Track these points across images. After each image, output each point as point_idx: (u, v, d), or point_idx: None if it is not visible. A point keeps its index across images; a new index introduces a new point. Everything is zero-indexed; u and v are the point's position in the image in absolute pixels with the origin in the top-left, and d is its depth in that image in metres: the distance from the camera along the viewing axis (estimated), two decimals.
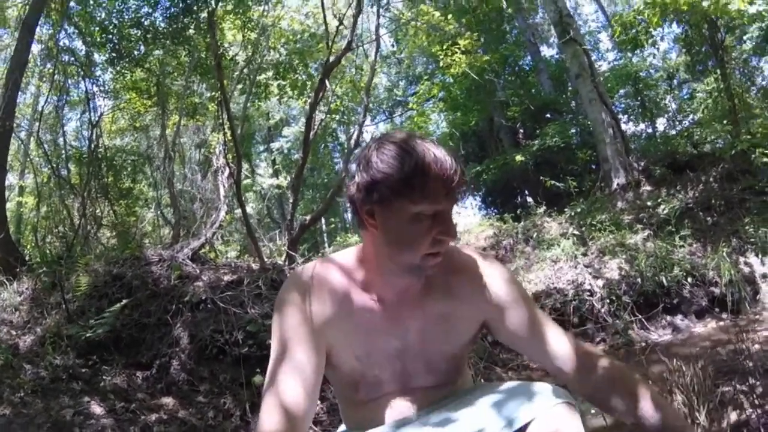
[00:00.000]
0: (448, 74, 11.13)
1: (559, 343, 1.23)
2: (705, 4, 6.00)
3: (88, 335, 4.31)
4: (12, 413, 3.20)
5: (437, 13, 9.25)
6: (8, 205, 7.91)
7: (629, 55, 11.90)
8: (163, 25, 7.38)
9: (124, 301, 4.81)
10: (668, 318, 6.32)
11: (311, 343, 1.14)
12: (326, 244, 15.71)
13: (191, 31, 7.85)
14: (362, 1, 7.97)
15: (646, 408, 1.12)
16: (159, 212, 9.69)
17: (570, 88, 13.93)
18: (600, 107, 10.67)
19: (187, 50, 8.01)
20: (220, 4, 7.69)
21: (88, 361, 4.28)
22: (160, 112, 9.00)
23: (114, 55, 7.36)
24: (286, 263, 6.63)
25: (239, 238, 11.70)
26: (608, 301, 6.37)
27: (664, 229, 7.49)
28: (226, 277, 5.63)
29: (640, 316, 6.20)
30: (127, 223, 8.59)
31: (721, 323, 5.91)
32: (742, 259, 6.38)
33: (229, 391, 4.33)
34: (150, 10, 7.13)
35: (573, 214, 8.80)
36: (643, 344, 6.01)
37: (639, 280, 6.40)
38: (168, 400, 4.15)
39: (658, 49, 10.35)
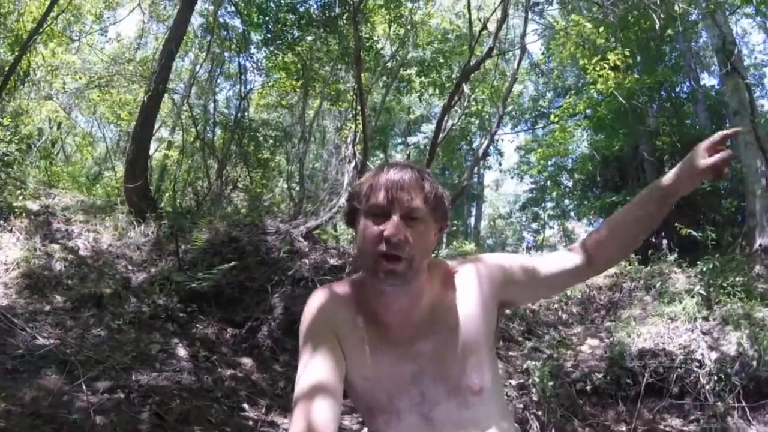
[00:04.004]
0: (594, 90, 10.63)
1: (562, 256, 1.37)
2: None
3: (193, 285, 4.80)
4: (106, 335, 3.67)
5: (589, 24, 8.83)
6: (156, 155, 8.85)
7: None
8: (316, 12, 7.86)
9: (234, 263, 5.28)
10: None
11: (334, 351, 1.22)
12: (443, 245, 15.70)
13: (342, 21, 8.25)
14: (507, 7, 7.83)
15: (634, 209, 1.34)
16: (287, 186, 10.34)
17: (728, 125, 12.60)
18: (756, 153, 9.51)
19: (336, 39, 8.42)
20: None
21: (187, 308, 4.79)
22: (303, 94, 9.59)
23: (269, 36, 8.01)
24: None
25: None
26: (716, 378, 5.72)
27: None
28: (332, 261, 5.97)
29: (744, 404, 5.53)
30: (258, 190, 9.28)
31: None
32: None
33: None
34: None
35: (704, 269, 7.95)
36: None
37: (755, 362, 5.68)
38: (247, 361, 4.52)
39: None
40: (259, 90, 9.60)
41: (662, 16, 7.73)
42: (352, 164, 9.24)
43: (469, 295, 1.29)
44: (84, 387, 3.10)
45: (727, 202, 10.84)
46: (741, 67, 9.88)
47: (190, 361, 3.89)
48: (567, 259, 1.36)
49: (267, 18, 7.65)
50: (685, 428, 5.57)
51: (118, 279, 4.63)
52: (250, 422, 3.57)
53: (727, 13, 9.73)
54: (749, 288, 7.08)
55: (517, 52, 9.74)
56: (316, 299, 1.31)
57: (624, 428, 5.16)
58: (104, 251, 5.27)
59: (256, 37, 8.47)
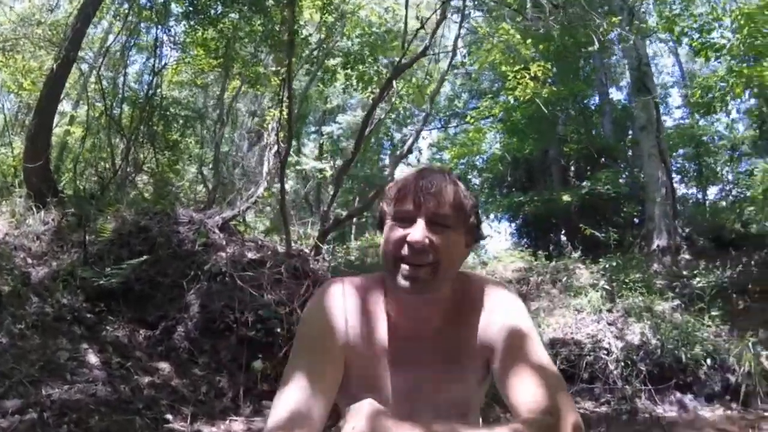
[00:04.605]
0: (512, 96, 10.96)
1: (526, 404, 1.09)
2: None
3: (101, 282, 4.37)
4: (8, 343, 3.25)
5: (518, 35, 9.08)
6: (56, 130, 8.04)
7: (697, 117, 11.54)
8: None
9: (145, 257, 4.87)
10: (678, 395, 6.19)
11: (332, 356, 1.18)
12: (353, 237, 15.65)
13: (270, 2, 7.87)
14: (447, 8, 7.86)
15: None
16: (200, 172, 9.77)
17: (629, 138, 13.61)
18: (658, 164, 10.40)
19: (262, 19, 8.02)
20: None
21: (95, 308, 4.34)
22: (222, 74, 9.07)
23: (191, 9, 7.47)
24: (313, 254, 6.60)
25: (270, 214, 11.74)
26: (623, 364, 6.26)
27: (695, 303, 7.28)
28: (250, 254, 5.65)
29: (650, 387, 6.08)
30: (166, 175, 8.68)
31: (729, 412, 5.78)
32: (765, 353, 6.13)
33: (226, 370, 4.34)
34: None
35: (607, 266, 8.61)
36: (647, 416, 5.90)
37: (659, 350, 6.25)
38: (165, 366, 4.19)
39: (731, 118, 10.05)
40: (173, 66, 8.94)
41: (590, 33, 8.09)
42: (273, 151, 8.93)
43: (484, 323, 1.24)
44: None
45: (629, 207, 11.66)
46: (652, 87, 10.66)
47: (103, 369, 3.54)
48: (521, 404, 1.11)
49: None
50: (598, 410, 6.05)
51: (16, 275, 4.10)
52: None
53: (642, 37, 10.42)
54: (649, 284, 7.76)
55: (447, 54, 9.80)
56: (329, 299, 1.25)
57: None
58: (0, 241, 4.68)
59: (177, 9, 7.88)
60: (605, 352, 6.44)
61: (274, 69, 9.57)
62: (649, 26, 9.80)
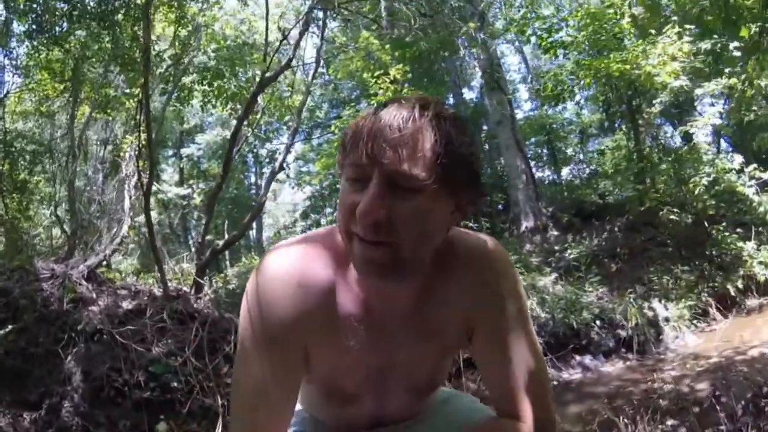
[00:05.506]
0: (374, 101, 11.20)
1: (507, 390, 1.04)
2: (636, 72, 6.60)
3: None
4: None
5: (376, 42, 9.29)
6: None
7: (546, 107, 12.75)
8: (92, 3, 6.72)
9: (10, 326, 4.18)
10: (578, 358, 6.66)
11: (289, 352, 0.96)
12: (227, 263, 14.92)
13: (120, 16, 7.24)
14: (310, 18, 7.80)
15: None
16: (54, 215, 8.67)
17: (484, 133, 14.60)
18: (516, 153, 11.30)
19: (111, 36, 7.31)
20: None
21: None
22: (70, 100, 8.15)
23: (34, 27, 6.58)
24: (193, 291, 6.08)
25: (136, 252, 10.80)
26: None
27: (573, 273, 7.92)
28: (125, 304, 5.08)
29: (551, 356, 6.49)
30: (18, 223, 7.59)
31: (628, 363, 6.37)
32: (646, 304, 6.87)
33: None
34: None
35: None
36: (556, 383, 6.29)
37: (551, 322, 6.69)
38: None
39: (580, 106, 11.23)
40: (17, 93, 7.84)
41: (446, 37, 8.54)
42: (133, 182, 8.19)
43: (468, 295, 1.01)
44: None
45: (494, 196, 12.46)
46: (504, 85, 11.55)
47: None
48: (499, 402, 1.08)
49: (35, 5, 6.28)
50: None
51: None
52: None
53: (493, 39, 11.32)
54: (526, 263, 8.32)
55: (310, 65, 9.77)
56: (273, 279, 0.95)
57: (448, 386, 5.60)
58: None
59: (19, 27, 6.91)
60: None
61: (126, 90, 8.84)
62: (497, 29, 10.64)
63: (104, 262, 6.66)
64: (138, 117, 7.59)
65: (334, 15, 9.92)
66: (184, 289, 6.21)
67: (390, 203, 0.82)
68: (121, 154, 8.74)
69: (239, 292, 8.82)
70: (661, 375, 5.49)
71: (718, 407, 3.42)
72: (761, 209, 6.54)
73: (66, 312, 4.62)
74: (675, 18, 6.29)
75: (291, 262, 0.96)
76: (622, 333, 6.61)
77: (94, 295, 5.05)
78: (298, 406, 1.21)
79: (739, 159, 6.77)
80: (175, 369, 4.26)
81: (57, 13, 6.46)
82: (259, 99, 8.30)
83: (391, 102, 0.87)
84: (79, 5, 6.51)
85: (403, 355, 1.03)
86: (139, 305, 5.00)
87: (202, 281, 6.47)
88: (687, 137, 7.95)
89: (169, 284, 5.95)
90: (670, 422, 3.94)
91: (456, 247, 1.01)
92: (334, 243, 0.98)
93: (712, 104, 7.76)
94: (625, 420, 3.83)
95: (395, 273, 0.87)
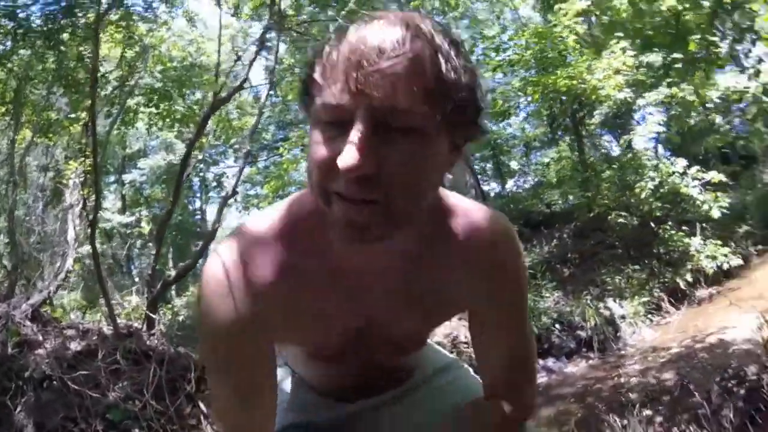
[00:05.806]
0: None
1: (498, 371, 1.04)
2: (582, 86, 7.00)
3: None
4: None
5: None
6: None
7: (490, 123, 13.20)
8: (38, 22, 6.47)
9: None
10: (541, 362, 6.83)
11: (260, 353, 0.89)
12: (173, 293, 14.32)
13: (66, 35, 6.99)
14: (264, 39, 7.81)
15: None
16: None
17: None
18: (464, 169, 11.61)
19: (56, 56, 7.03)
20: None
21: None
22: (11, 123, 7.76)
23: None
24: (145, 327, 5.79)
25: (78, 283, 10.28)
26: None
27: (528, 281, 8.17)
28: (74, 345, 4.78)
29: None
30: None
31: (591, 362, 6.61)
32: (601, 304, 7.19)
33: None
34: (30, 1, 6.21)
35: None
36: None
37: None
38: None
39: (527, 120, 11.73)
40: None
41: None
42: (77, 211, 7.81)
43: (463, 271, 0.91)
44: None
45: None
46: None
47: None
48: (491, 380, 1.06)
49: None
50: None
51: None
52: None
53: None
54: None
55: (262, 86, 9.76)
56: (231, 271, 0.84)
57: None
58: None
59: None
60: (465, 344, 6.92)
61: (69, 114, 8.50)
62: None
63: (47, 300, 6.16)
64: (83, 141, 7.32)
65: (284, 38, 9.99)
66: (135, 325, 5.88)
67: (380, 149, 0.66)
68: (64, 180, 8.36)
69: (190, 324, 8.51)
70: (624, 370, 5.74)
71: (696, 393, 3.61)
72: (705, 207, 7.02)
73: (11, 357, 4.30)
74: (620, 33, 6.71)
75: (237, 247, 0.86)
76: (582, 334, 6.85)
77: (40, 337, 4.69)
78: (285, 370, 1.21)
79: (682, 162, 7.26)
80: (134, 414, 4.04)
81: (1, 31, 6.19)
82: (211, 122, 8.13)
83: (369, 18, 0.69)
84: (24, 23, 6.26)
85: (383, 317, 0.92)
86: (88, 346, 4.71)
87: (153, 316, 6.08)
88: (628, 145, 8.47)
89: (119, 320, 5.64)
90: (645, 413, 4.12)
91: (451, 212, 0.90)
92: (293, 212, 0.89)
93: (650, 113, 8.30)
94: (602, 416, 3.99)
95: (383, 236, 0.72)
